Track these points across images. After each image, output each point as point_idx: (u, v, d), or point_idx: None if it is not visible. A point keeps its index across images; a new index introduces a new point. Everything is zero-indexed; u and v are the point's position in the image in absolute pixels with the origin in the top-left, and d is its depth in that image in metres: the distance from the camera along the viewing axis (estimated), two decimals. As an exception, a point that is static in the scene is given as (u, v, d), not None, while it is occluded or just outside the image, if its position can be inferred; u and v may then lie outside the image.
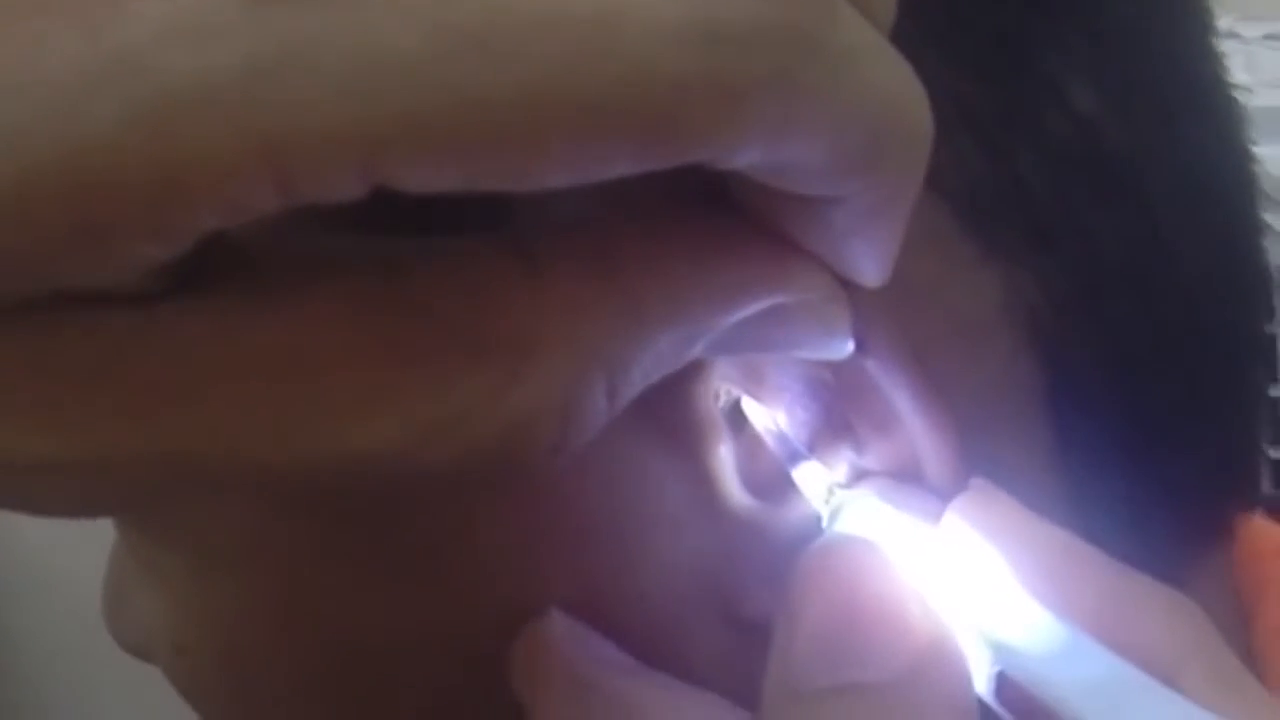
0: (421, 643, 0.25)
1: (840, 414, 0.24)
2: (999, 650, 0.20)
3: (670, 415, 0.23)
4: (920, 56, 0.24)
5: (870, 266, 0.19)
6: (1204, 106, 0.28)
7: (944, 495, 0.23)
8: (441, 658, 0.25)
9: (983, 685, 0.20)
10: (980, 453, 0.25)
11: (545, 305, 0.17)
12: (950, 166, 0.24)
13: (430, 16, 0.14)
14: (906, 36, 0.24)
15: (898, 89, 0.17)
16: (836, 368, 0.23)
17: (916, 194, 0.18)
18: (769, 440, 0.23)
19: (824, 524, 0.23)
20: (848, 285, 0.20)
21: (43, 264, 0.14)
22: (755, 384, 0.23)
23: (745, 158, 0.16)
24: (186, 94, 0.14)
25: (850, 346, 0.20)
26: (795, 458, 0.23)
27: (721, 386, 0.23)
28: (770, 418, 0.23)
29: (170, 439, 0.16)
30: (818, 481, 0.23)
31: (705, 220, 0.18)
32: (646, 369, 0.18)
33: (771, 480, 0.24)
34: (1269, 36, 0.90)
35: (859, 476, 0.24)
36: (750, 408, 0.23)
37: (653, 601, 0.24)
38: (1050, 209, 0.25)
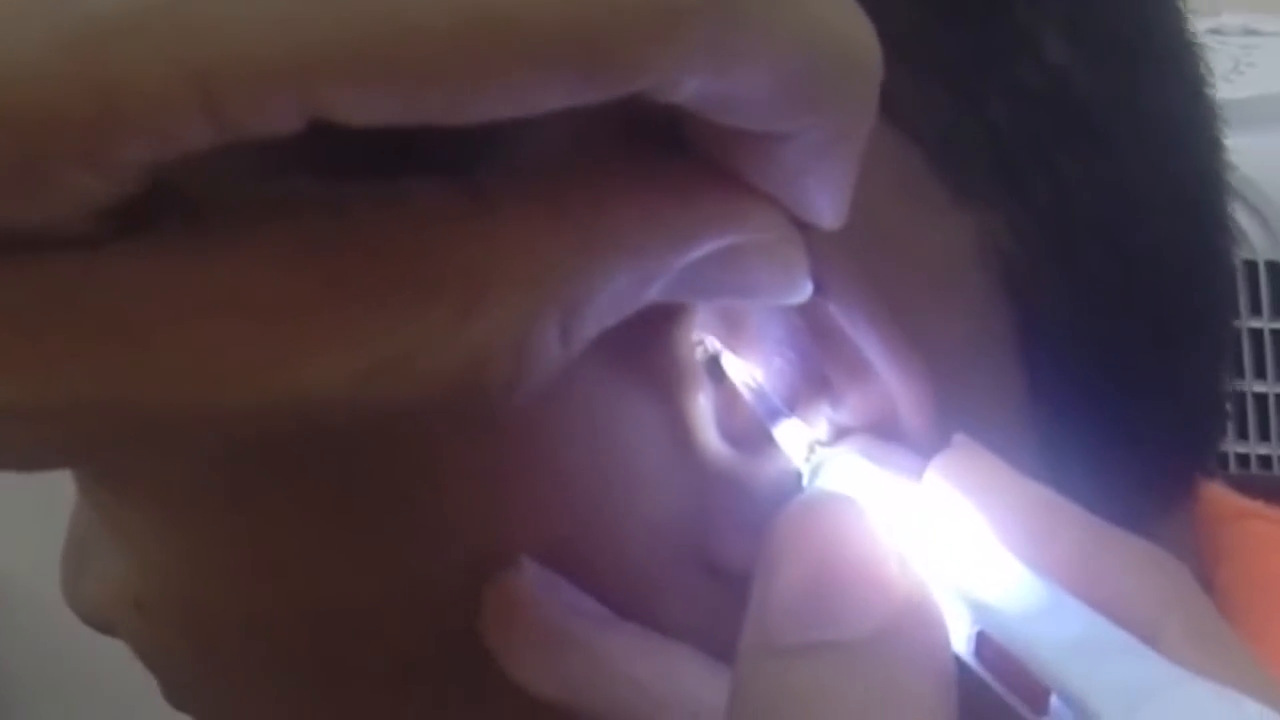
0: (390, 598, 0.25)
1: (817, 366, 0.23)
2: (978, 609, 0.20)
3: (649, 362, 0.23)
4: (894, 3, 0.24)
5: (825, 206, 0.19)
6: (1171, 61, 0.29)
7: (922, 447, 0.23)
8: (411, 613, 0.25)
9: (962, 645, 0.20)
10: (954, 400, 0.25)
11: (497, 242, 0.17)
12: (923, 112, 0.24)
13: None
14: None
15: (841, 23, 0.17)
16: (809, 316, 0.23)
17: (867, 132, 0.18)
18: (747, 394, 0.23)
19: (804, 481, 0.23)
20: (808, 228, 0.20)
21: None
22: (735, 333, 0.23)
23: (686, 88, 0.16)
24: (116, 21, 0.14)
25: (809, 288, 0.20)
26: (774, 414, 0.23)
27: (702, 336, 0.23)
28: (748, 371, 0.23)
29: (119, 383, 0.15)
30: (797, 438, 0.23)
31: (660, 162, 0.18)
32: (601, 309, 0.18)
33: (750, 432, 0.24)
34: (1212, 31, 0.91)
35: (839, 433, 0.24)
36: (729, 360, 0.23)
37: (629, 551, 0.24)
38: (1021, 154, 0.25)
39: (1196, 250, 0.28)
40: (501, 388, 0.17)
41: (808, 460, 0.22)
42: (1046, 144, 0.25)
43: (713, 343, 0.23)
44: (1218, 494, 0.33)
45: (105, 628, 0.30)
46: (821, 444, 0.23)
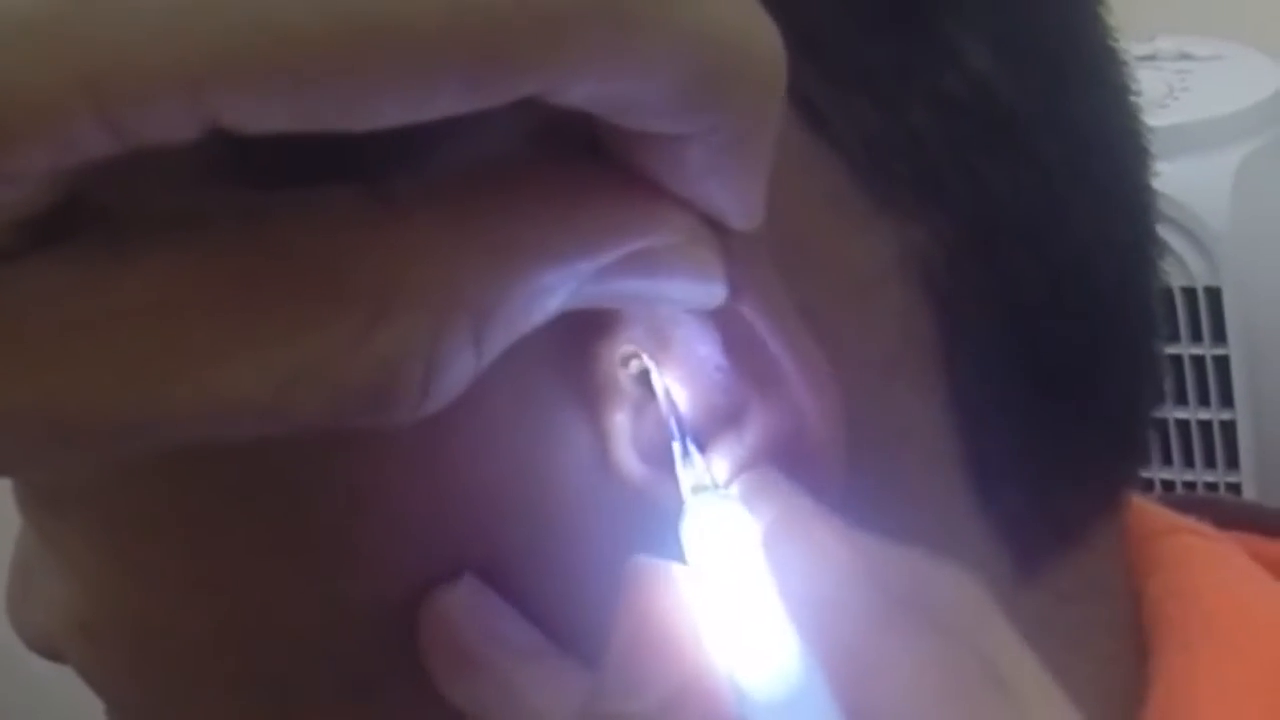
0: (334, 615, 0.24)
1: (735, 384, 0.23)
2: (739, 692, 0.20)
3: (573, 376, 0.23)
4: (817, 11, 0.24)
5: (734, 206, 0.19)
6: (1095, 71, 0.28)
7: (830, 463, 0.23)
8: (355, 631, 0.24)
9: None
10: (872, 410, 0.25)
11: (406, 249, 0.17)
12: (846, 120, 0.24)
13: None
14: None
15: (739, 21, 0.17)
16: (726, 324, 0.22)
17: (774, 130, 0.18)
18: (662, 413, 0.23)
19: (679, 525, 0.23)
20: (725, 232, 0.19)
21: None
22: (661, 348, 0.23)
23: (579, 92, 0.16)
24: (4, 32, 0.14)
25: (723, 293, 0.20)
26: (678, 437, 0.23)
27: (629, 350, 0.23)
28: (665, 390, 0.23)
29: (36, 394, 0.16)
30: (689, 470, 0.23)
31: (569, 167, 0.18)
32: (513, 317, 0.18)
33: (666, 453, 0.23)
34: (1147, 58, 0.92)
35: (748, 455, 0.23)
36: (652, 377, 0.23)
37: (559, 571, 0.23)
38: (944, 163, 0.25)
39: (1122, 257, 0.28)
40: (414, 397, 0.17)
41: (688, 500, 0.22)
42: (970, 152, 0.25)
43: (639, 358, 0.23)
44: (1151, 509, 0.33)
45: (52, 654, 0.30)
46: (703, 485, 0.22)
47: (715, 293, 0.20)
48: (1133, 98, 0.29)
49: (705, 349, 0.23)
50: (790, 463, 0.23)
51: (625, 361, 0.23)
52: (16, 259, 0.16)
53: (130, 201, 0.16)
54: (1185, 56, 0.92)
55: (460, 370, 0.17)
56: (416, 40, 0.14)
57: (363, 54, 0.14)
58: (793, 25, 0.18)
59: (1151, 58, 0.92)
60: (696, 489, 0.22)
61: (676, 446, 0.23)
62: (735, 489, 0.22)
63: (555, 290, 0.18)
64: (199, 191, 0.17)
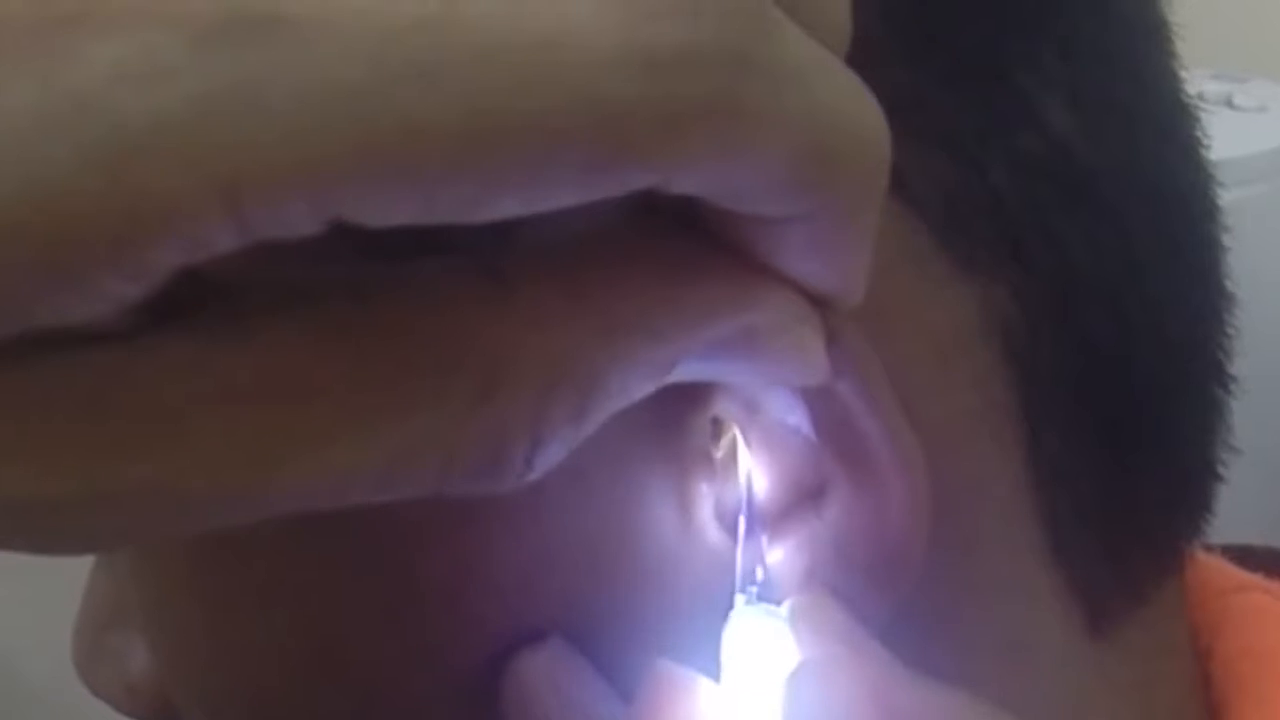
0: (430, 680, 0.25)
1: (821, 459, 0.23)
2: None
3: (665, 443, 0.23)
4: (896, 73, 0.24)
5: (839, 285, 0.19)
6: (1169, 127, 0.28)
7: (907, 548, 0.23)
8: (447, 693, 0.25)
9: None
10: (953, 469, 0.25)
11: (514, 322, 0.17)
12: (925, 182, 0.24)
13: (374, 50, 0.14)
14: (882, 53, 0.24)
15: (846, 104, 0.17)
16: (816, 400, 0.23)
17: (878, 209, 0.18)
18: (741, 490, 0.23)
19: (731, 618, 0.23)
20: (826, 310, 0.20)
21: (19, 301, 0.15)
22: (751, 419, 0.23)
23: (692, 181, 0.16)
24: (139, 135, 0.14)
25: (825, 369, 0.20)
26: (751, 523, 0.23)
27: (720, 419, 0.23)
28: (748, 466, 0.23)
29: (154, 472, 0.16)
30: (749, 563, 0.23)
31: (675, 243, 0.18)
32: (614, 391, 0.18)
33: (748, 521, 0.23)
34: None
35: (821, 532, 0.23)
36: (739, 450, 0.23)
37: (642, 633, 0.23)
38: (1024, 223, 0.25)
39: (1194, 314, 0.28)
40: (518, 468, 0.17)
41: (736, 608, 0.22)
42: (1049, 212, 0.25)
43: (729, 429, 0.23)
44: (1216, 566, 0.33)
45: (129, 709, 0.31)
46: (754, 586, 0.23)
47: (817, 372, 0.20)
48: (1203, 148, 0.29)
49: (795, 420, 0.23)
50: (869, 546, 0.23)
51: (715, 430, 0.23)
52: (134, 338, 0.16)
53: (240, 274, 0.16)
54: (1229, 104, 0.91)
55: (561, 443, 0.18)
56: (542, 136, 0.15)
57: (490, 152, 0.15)
58: (872, 84, 0.18)
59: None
60: (748, 599, 0.22)
61: (742, 525, 0.23)
62: (785, 608, 0.22)
63: (658, 365, 0.18)
64: (308, 263, 0.17)
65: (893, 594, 0.23)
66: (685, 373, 0.18)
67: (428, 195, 0.15)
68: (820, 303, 0.19)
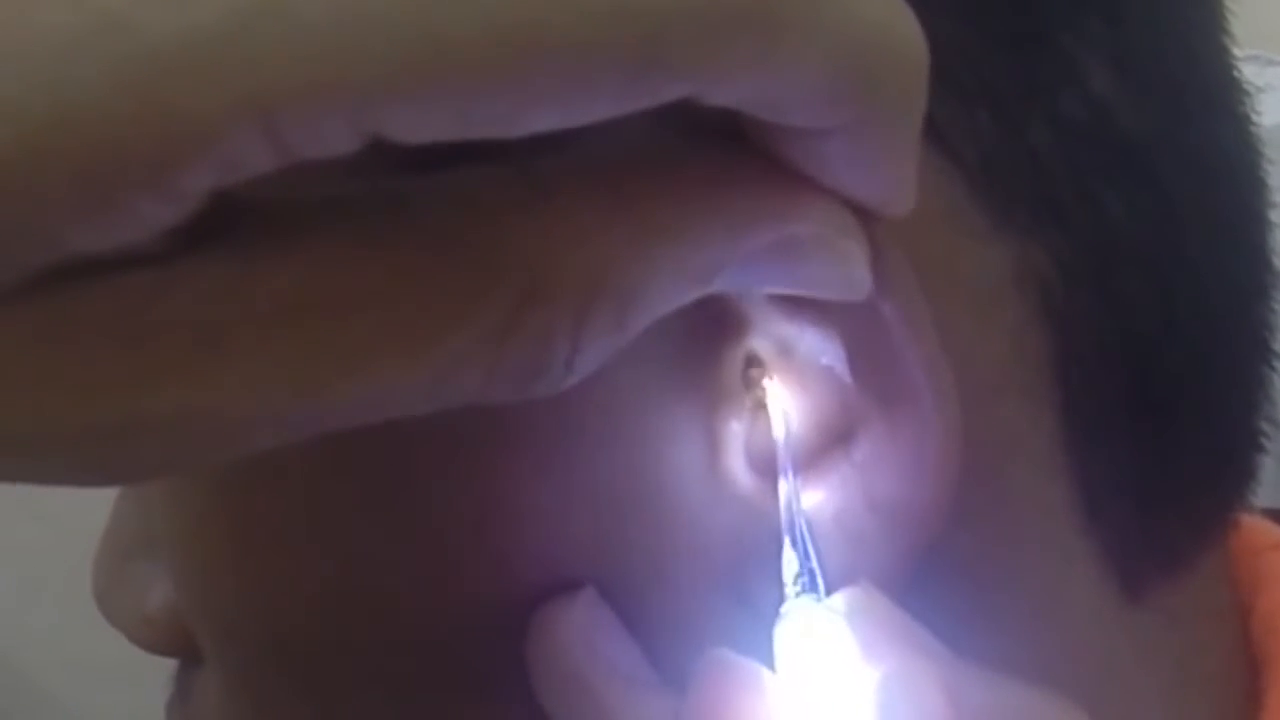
0: (458, 617, 0.25)
1: (854, 399, 0.23)
2: None
3: (695, 380, 0.23)
4: (941, 25, 0.24)
5: (883, 195, 0.19)
6: (1217, 99, 0.28)
7: (940, 481, 0.23)
8: (476, 632, 0.25)
9: None
10: (986, 423, 0.25)
11: (554, 230, 0.17)
12: (964, 137, 0.24)
13: None
14: (930, 6, 0.24)
15: (883, 17, 0.17)
16: (853, 334, 0.23)
17: (919, 121, 0.18)
18: (777, 430, 0.23)
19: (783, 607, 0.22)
20: (872, 226, 0.20)
21: (53, 227, 0.15)
22: (784, 358, 0.23)
23: (729, 92, 0.16)
24: (171, 54, 0.14)
25: (867, 284, 0.20)
26: (784, 460, 0.23)
27: (752, 355, 0.23)
28: (785, 404, 0.23)
29: (196, 394, 0.16)
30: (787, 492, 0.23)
31: (717, 154, 0.18)
32: (655, 299, 0.18)
33: (775, 465, 0.23)
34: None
35: (850, 474, 0.23)
36: (771, 389, 0.23)
37: (670, 576, 0.24)
38: (1063, 184, 0.25)
39: (1237, 286, 0.28)
40: (559, 373, 0.17)
41: (788, 602, 0.22)
42: (1088, 175, 0.25)
43: (760, 366, 0.23)
44: (1255, 524, 0.33)
45: (147, 642, 0.31)
46: (799, 577, 0.22)
47: (859, 285, 0.20)
48: (1252, 124, 0.29)
49: (828, 360, 0.23)
50: (898, 489, 0.23)
51: (747, 369, 0.23)
52: (170, 261, 0.16)
53: (278, 193, 0.16)
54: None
55: (603, 348, 0.18)
56: (576, 48, 0.15)
57: (525, 64, 0.15)
58: None
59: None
60: (797, 587, 0.22)
61: (785, 495, 0.22)
62: (839, 602, 0.22)
63: (699, 272, 0.18)
64: (346, 179, 0.17)
65: (919, 542, 0.23)
66: (727, 282, 0.19)
67: (464, 110, 0.15)
68: (866, 215, 0.19)
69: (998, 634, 0.25)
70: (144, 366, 0.16)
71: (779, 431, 0.23)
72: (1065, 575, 0.27)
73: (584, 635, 0.23)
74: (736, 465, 0.23)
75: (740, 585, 0.24)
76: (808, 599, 0.22)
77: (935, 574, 0.23)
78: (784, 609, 0.22)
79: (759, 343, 0.23)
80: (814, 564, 0.22)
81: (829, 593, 0.22)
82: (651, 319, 0.18)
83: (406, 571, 0.25)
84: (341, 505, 0.25)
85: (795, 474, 0.23)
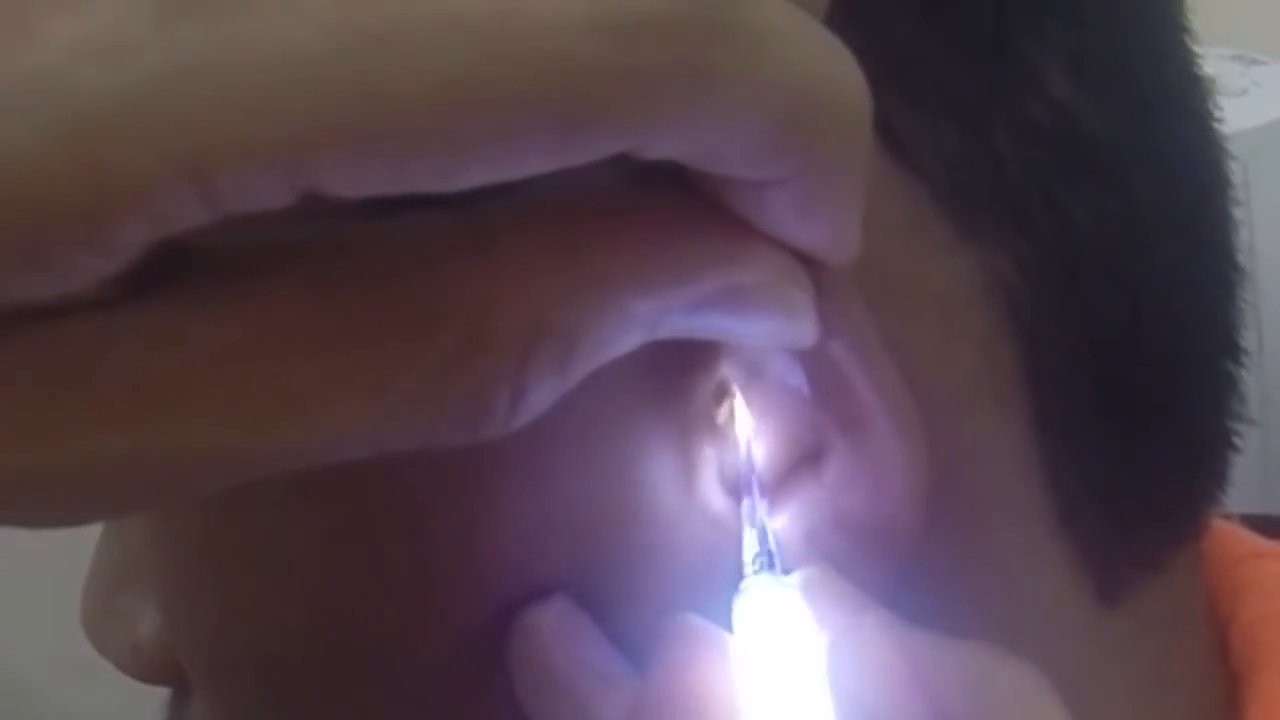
0: (432, 638, 0.25)
1: (820, 422, 0.23)
2: None
3: (669, 406, 0.23)
4: (899, 36, 0.24)
5: (827, 244, 0.19)
6: (1180, 100, 0.28)
7: (904, 509, 0.23)
8: (448, 651, 0.25)
9: None
10: (956, 434, 0.25)
11: (498, 275, 0.17)
12: (926, 147, 0.24)
13: (333, 19, 0.14)
14: (886, 16, 0.24)
15: (822, 66, 0.17)
16: (812, 362, 0.23)
17: (862, 169, 0.18)
18: (743, 454, 0.23)
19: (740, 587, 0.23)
20: (818, 269, 0.20)
21: None
22: (754, 381, 0.23)
23: (666, 146, 0.16)
24: (104, 112, 0.14)
25: (813, 329, 0.20)
26: (751, 489, 0.23)
27: (724, 381, 0.23)
28: (750, 430, 0.23)
29: (140, 440, 0.16)
30: (753, 517, 0.23)
31: (663, 201, 0.18)
32: (598, 344, 0.18)
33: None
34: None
35: (820, 496, 0.23)
36: (740, 414, 0.23)
37: (644, 594, 0.24)
38: (1027, 191, 0.25)
39: (1203, 286, 0.28)
40: (501, 419, 0.17)
41: (752, 564, 0.23)
42: (1052, 180, 0.25)
43: (731, 392, 0.23)
44: (1235, 533, 0.33)
45: (136, 670, 0.31)
46: (760, 557, 0.23)
47: (805, 332, 0.20)
48: (1215, 123, 0.29)
49: (796, 382, 0.23)
50: (866, 511, 0.23)
51: (719, 393, 0.23)
52: (115, 307, 0.16)
53: (225, 239, 0.16)
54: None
55: (544, 394, 0.18)
56: (509, 105, 0.15)
57: (458, 122, 0.15)
58: (873, 49, 0.18)
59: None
60: (756, 566, 0.22)
61: (747, 503, 0.23)
62: (795, 579, 0.22)
63: (642, 320, 0.18)
64: (292, 225, 0.17)
65: (891, 559, 0.23)
66: (673, 328, 0.19)
67: (397, 166, 0.15)
68: (812, 262, 0.19)
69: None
70: (92, 412, 0.16)
71: (745, 453, 0.23)
72: (1040, 582, 0.27)
73: (559, 637, 0.23)
74: (710, 488, 0.23)
75: (713, 605, 0.23)
76: (766, 576, 0.22)
77: (910, 591, 0.23)
78: (742, 585, 0.22)
79: (729, 367, 0.23)
80: (772, 545, 0.23)
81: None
82: (596, 364, 0.18)
83: (385, 597, 0.25)
84: (318, 532, 0.25)
85: (763, 493, 0.23)
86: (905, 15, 0.24)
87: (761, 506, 0.23)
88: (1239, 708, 0.29)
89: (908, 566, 0.23)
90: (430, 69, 0.14)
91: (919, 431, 0.23)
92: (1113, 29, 0.27)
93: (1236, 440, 0.30)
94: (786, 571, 0.23)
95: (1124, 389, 0.26)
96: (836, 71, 0.17)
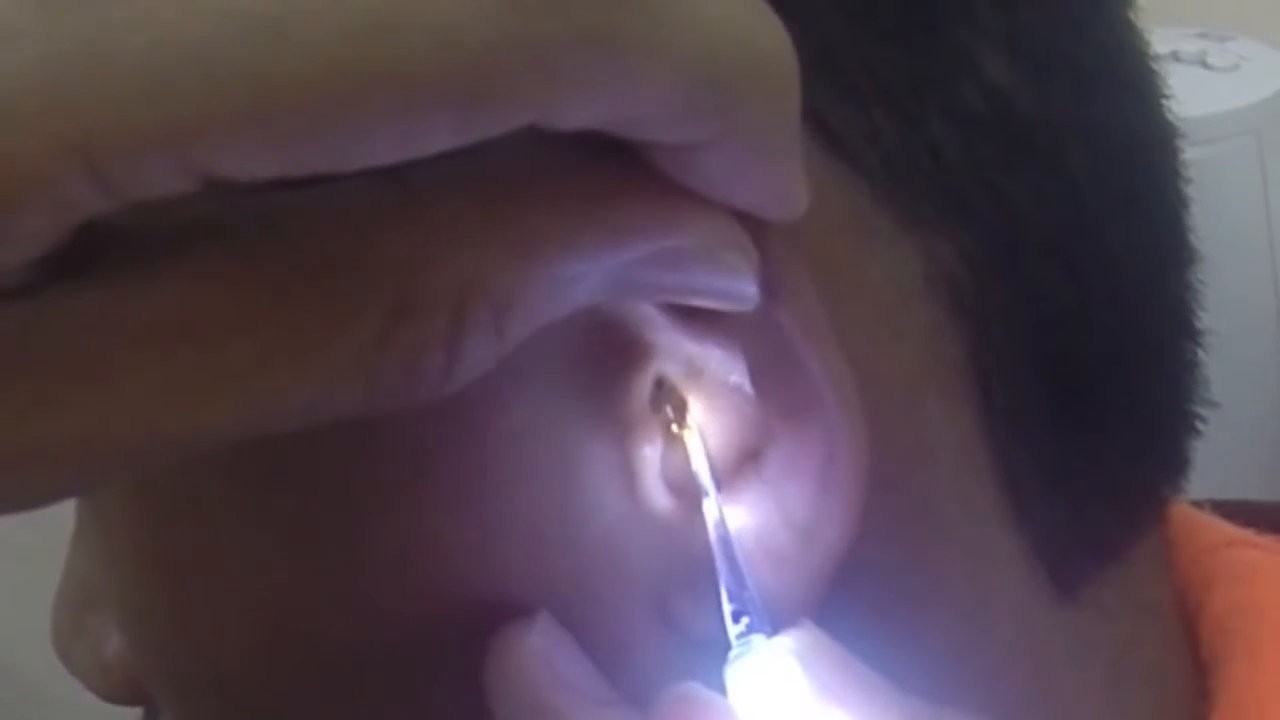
0: (377, 641, 0.24)
1: (760, 415, 0.23)
2: None
3: (605, 406, 0.23)
4: (829, 27, 0.23)
5: (771, 203, 0.19)
6: (1122, 76, 0.28)
7: (851, 488, 0.22)
8: (396, 659, 0.24)
9: None
10: (902, 429, 0.24)
11: (427, 238, 0.17)
12: (861, 139, 0.24)
13: (219, 3, 0.14)
14: (815, 6, 0.23)
15: (736, 27, 0.17)
16: (754, 346, 0.22)
17: (794, 125, 0.18)
18: (690, 454, 0.23)
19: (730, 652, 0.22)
20: (762, 233, 0.19)
21: None
22: (693, 380, 0.23)
23: (576, 117, 0.16)
24: None
25: (754, 294, 0.20)
26: (704, 482, 0.22)
27: (662, 378, 0.23)
28: (697, 427, 0.23)
29: (76, 424, 0.16)
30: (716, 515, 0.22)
31: (604, 166, 0.18)
32: (533, 307, 0.18)
33: (693, 487, 0.23)
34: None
35: (762, 491, 0.23)
36: (681, 412, 0.23)
37: (600, 601, 0.23)
38: (966, 178, 0.25)
39: (1153, 266, 0.28)
40: (437, 382, 0.17)
41: (736, 627, 0.22)
42: (991, 166, 0.25)
43: (670, 390, 0.23)
44: (1203, 521, 0.32)
45: (104, 691, 0.31)
46: (745, 620, 0.22)
47: (746, 295, 0.20)
48: (1162, 99, 0.29)
49: (736, 379, 0.22)
50: (810, 499, 0.22)
51: (657, 393, 0.23)
52: (39, 292, 0.16)
53: (146, 218, 0.16)
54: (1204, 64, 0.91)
55: (481, 357, 0.17)
56: (403, 85, 0.15)
57: (350, 102, 0.14)
58: (803, 41, 0.18)
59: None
60: (741, 634, 0.22)
61: (705, 495, 0.22)
62: (789, 643, 0.22)
63: (578, 281, 0.18)
64: (215, 200, 0.16)
65: (835, 554, 0.22)
66: (610, 293, 0.18)
67: (291, 149, 0.15)
68: (758, 224, 0.19)
69: (926, 639, 0.25)
70: (19, 401, 0.16)
71: (693, 455, 0.22)
72: (993, 577, 0.26)
73: (543, 660, 0.23)
74: (654, 489, 0.23)
75: (664, 607, 0.23)
76: (757, 638, 0.22)
77: (858, 586, 0.23)
78: (733, 653, 0.22)
79: (666, 366, 0.23)
80: (754, 595, 0.22)
81: (763, 619, 0.22)
82: (533, 327, 0.18)
83: (333, 608, 0.24)
84: (260, 546, 0.24)
85: (716, 501, 0.22)
86: (834, 5, 0.24)
87: (736, 551, 0.22)
88: (1209, 698, 0.29)
89: (854, 564, 0.23)
90: (318, 51, 0.14)
91: (864, 417, 0.22)
92: (1045, 9, 0.26)
93: (1198, 425, 0.29)
94: (772, 623, 0.22)
95: (1074, 374, 0.26)
96: (754, 30, 0.17)
